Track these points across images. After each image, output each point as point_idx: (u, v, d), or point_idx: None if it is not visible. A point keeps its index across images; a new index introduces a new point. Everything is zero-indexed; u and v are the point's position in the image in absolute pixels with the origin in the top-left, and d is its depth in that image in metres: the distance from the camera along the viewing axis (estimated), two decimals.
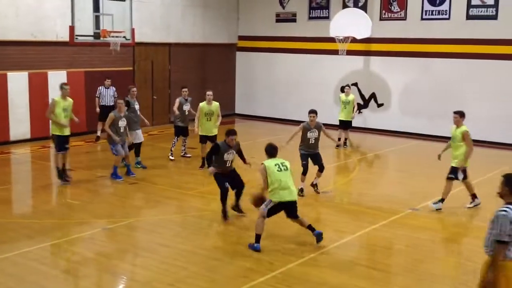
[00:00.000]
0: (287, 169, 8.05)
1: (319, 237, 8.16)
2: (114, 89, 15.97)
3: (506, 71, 16.36)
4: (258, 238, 7.97)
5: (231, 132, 9.28)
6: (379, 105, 18.96)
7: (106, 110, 15.79)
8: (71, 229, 8.78)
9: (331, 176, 12.67)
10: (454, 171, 10.00)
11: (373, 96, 19.06)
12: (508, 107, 16.25)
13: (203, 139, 12.68)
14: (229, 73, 21.88)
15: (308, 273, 7.31)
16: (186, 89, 13.71)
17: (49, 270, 7.22)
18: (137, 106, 12.77)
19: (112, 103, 15.68)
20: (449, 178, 10.05)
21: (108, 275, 7.35)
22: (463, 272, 7.62)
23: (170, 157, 13.58)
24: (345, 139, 16.03)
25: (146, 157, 13.49)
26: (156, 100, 19.24)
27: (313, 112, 10.94)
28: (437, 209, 9.97)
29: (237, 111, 22.11)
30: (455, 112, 10.13)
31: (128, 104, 12.35)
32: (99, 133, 15.94)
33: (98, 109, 15.82)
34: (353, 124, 19.14)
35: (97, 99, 15.87)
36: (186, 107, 13.59)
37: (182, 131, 13.65)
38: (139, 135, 12.70)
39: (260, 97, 21.46)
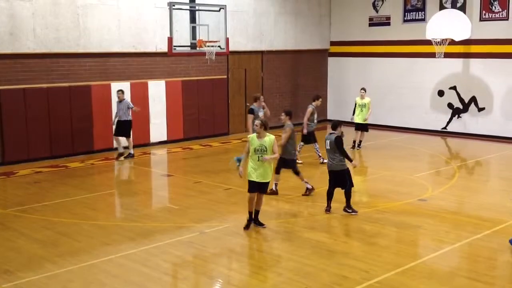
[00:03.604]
0: None
1: None
2: (127, 101, 14.83)
3: None
4: None
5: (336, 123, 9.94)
6: (480, 109, 18.10)
7: (121, 124, 14.77)
8: (171, 233, 9.11)
9: (429, 184, 12.26)
10: None
11: (473, 100, 18.23)
12: None
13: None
14: (321, 79, 21.83)
15: (406, 283, 7.12)
16: (320, 99, 14.45)
17: (152, 272, 7.53)
18: (260, 114, 12.89)
19: (127, 118, 14.72)
20: None
21: (205, 278, 7.56)
22: None
23: (322, 161, 13.76)
24: (360, 141, 16.22)
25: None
26: (249, 107, 19.53)
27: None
28: None
29: (329, 117, 21.97)
30: None
31: (252, 111, 12.84)
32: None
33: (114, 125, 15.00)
34: (452, 130, 18.59)
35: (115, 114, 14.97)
36: (316, 116, 14.12)
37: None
38: None
39: (352, 103, 21.09)
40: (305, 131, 13.86)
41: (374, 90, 20.36)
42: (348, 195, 9.82)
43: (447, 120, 18.74)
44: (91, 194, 11.59)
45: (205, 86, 17.82)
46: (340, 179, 9.79)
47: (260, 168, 8.92)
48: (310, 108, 13.97)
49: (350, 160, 9.87)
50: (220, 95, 18.39)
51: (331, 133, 9.85)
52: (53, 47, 14.66)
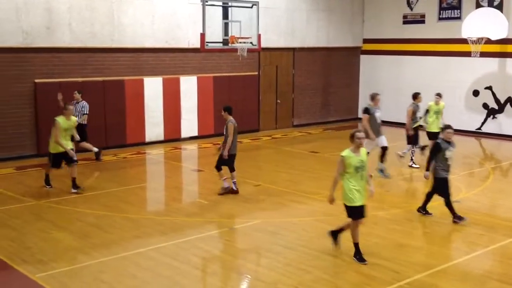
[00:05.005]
0: None
1: None
2: (85, 104, 13.81)
3: None
4: None
5: (449, 126, 9.55)
6: None
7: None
8: (201, 227, 9.17)
9: (462, 185, 12.05)
10: None
11: (509, 100, 17.86)
12: None
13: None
14: (353, 77, 21.65)
15: (437, 285, 7.03)
16: (420, 95, 13.54)
17: (181, 266, 7.60)
18: (377, 114, 12.35)
19: (82, 121, 13.63)
20: None
21: (234, 273, 7.59)
22: None
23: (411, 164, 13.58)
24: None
25: (270, 159, 13.72)
26: (280, 104, 19.54)
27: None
28: None
29: (360, 116, 21.76)
30: None
31: (367, 111, 12.24)
32: None
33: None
34: (487, 130, 18.24)
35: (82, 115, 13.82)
36: (419, 114, 13.43)
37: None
38: (382, 141, 12.41)
39: (385, 101, 20.85)
40: (411, 132, 13.22)
41: (407, 89, 20.05)
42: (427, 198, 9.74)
43: (482, 120, 18.40)
44: (123, 187, 11.74)
45: (236, 82, 17.87)
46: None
47: (361, 189, 7.62)
48: (411, 108, 13.21)
49: (426, 169, 9.56)
50: (251, 92, 18.43)
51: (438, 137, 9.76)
52: (88, 41, 14.88)
